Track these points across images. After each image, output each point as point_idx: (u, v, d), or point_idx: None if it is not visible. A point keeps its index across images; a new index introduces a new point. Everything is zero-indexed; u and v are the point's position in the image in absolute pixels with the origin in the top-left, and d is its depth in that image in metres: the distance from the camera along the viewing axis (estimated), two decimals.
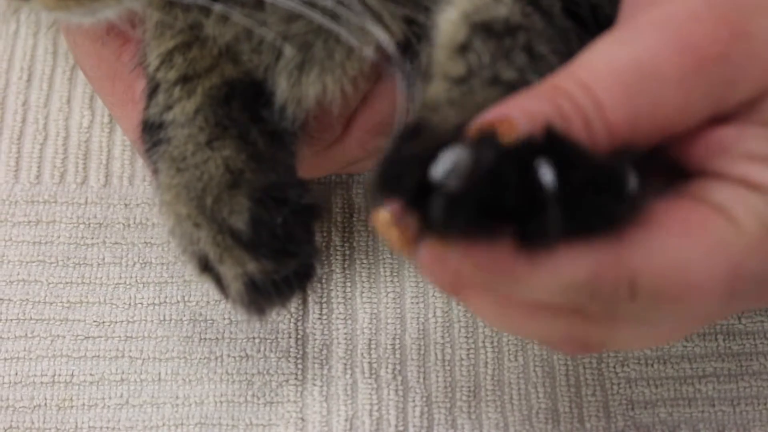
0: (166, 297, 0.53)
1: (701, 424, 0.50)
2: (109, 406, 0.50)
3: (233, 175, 0.43)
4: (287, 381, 0.51)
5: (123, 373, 0.51)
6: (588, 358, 0.51)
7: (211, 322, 0.52)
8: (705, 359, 0.52)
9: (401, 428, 0.50)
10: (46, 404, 0.50)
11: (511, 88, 0.37)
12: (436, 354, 0.52)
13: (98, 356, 0.51)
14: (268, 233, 0.43)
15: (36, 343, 0.52)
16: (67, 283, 0.53)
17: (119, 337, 0.52)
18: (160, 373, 0.51)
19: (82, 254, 0.54)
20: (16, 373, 0.51)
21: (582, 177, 0.32)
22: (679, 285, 0.33)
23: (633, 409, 0.51)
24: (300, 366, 0.51)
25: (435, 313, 0.53)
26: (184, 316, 0.52)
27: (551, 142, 0.32)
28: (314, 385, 0.51)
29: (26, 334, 0.52)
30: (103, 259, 0.54)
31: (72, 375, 0.51)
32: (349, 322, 0.52)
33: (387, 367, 0.51)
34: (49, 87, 0.59)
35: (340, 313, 0.53)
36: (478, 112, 0.34)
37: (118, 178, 0.56)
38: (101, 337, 0.52)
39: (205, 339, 0.52)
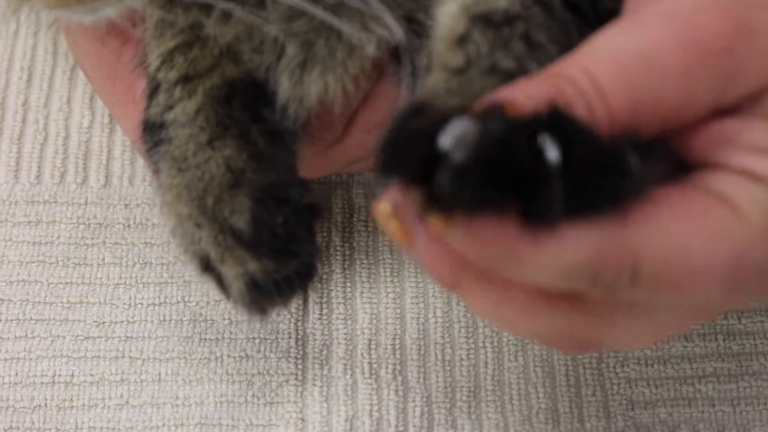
0: (166, 297, 0.53)
1: (701, 425, 0.50)
2: (109, 407, 0.50)
3: (234, 174, 0.43)
4: (287, 381, 0.51)
5: (123, 373, 0.51)
6: (588, 359, 0.52)
7: (211, 322, 0.52)
8: (705, 359, 0.52)
9: (401, 428, 0.50)
10: (46, 405, 0.50)
11: (510, 77, 0.38)
12: (436, 354, 0.52)
13: (98, 356, 0.51)
14: (270, 233, 0.43)
15: (36, 344, 0.52)
16: (67, 283, 0.53)
17: (119, 337, 0.52)
18: (160, 374, 0.51)
19: (82, 254, 0.54)
20: (16, 374, 0.51)
21: (586, 153, 0.32)
22: (680, 271, 0.33)
23: (633, 410, 0.51)
24: (300, 366, 0.51)
25: (435, 313, 0.53)
26: (185, 316, 0.52)
27: (555, 120, 0.32)
28: (314, 385, 0.51)
29: (26, 335, 0.52)
30: (103, 259, 0.54)
31: (72, 375, 0.51)
32: (349, 322, 0.52)
33: (387, 368, 0.51)
34: (49, 87, 0.59)
35: (340, 314, 0.53)
36: (477, 100, 0.34)
37: (119, 179, 0.56)
38: (101, 337, 0.52)
39: (205, 339, 0.52)
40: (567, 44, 0.38)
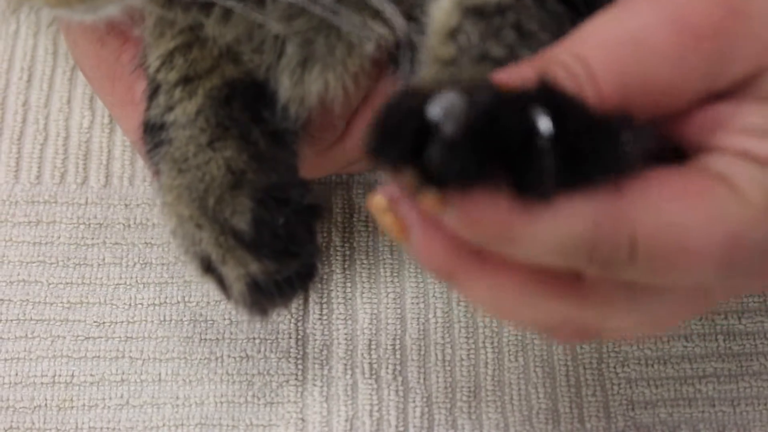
0: (166, 297, 0.53)
1: (701, 425, 0.50)
2: (109, 407, 0.50)
3: (235, 175, 0.43)
4: (287, 381, 0.51)
5: (123, 373, 0.51)
6: (588, 359, 0.52)
7: (211, 322, 0.52)
8: (705, 359, 0.52)
9: (401, 429, 0.50)
10: (46, 405, 0.50)
11: (500, 64, 0.37)
12: (436, 354, 0.52)
13: (98, 357, 0.51)
14: (270, 233, 0.43)
15: (36, 344, 0.52)
16: (67, 283, 0.53)
17: (119, 337, 0.52)
18: (160, 374, 0.51)
19: (83, 255, 0.54)
20: (17, 374, 0.51)
21: (578, 125, 0.31)
22: (676, 249, 0.33)
23: (633, 410, 0.51)
24: (300, 366, 0.51)
25: (435, 313, 0.53)
26: (185, 316, 0.52)
27: (546, 93, 0.32)
28: (314, 385, 0.51)
29: (26, 335, 0.52)
30: (104, 259, 0.54)
31: (72, 375, 0.51)
32: (350, 322, 0.52)
33: (387, 368, 0.51)
34: (49, 87, 0.59)
35: (340, 314, 0.53)
36: None
37: (119, 179, 0.56)
38: (101, 337, 0.52)
39: (205, 339, 0.52)
40: (559, 34, 0.38)
